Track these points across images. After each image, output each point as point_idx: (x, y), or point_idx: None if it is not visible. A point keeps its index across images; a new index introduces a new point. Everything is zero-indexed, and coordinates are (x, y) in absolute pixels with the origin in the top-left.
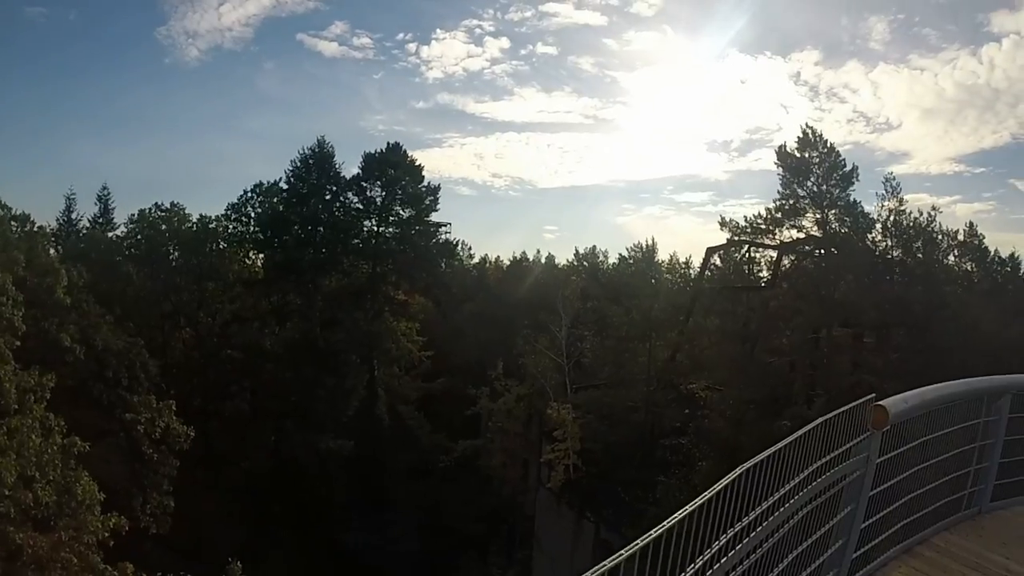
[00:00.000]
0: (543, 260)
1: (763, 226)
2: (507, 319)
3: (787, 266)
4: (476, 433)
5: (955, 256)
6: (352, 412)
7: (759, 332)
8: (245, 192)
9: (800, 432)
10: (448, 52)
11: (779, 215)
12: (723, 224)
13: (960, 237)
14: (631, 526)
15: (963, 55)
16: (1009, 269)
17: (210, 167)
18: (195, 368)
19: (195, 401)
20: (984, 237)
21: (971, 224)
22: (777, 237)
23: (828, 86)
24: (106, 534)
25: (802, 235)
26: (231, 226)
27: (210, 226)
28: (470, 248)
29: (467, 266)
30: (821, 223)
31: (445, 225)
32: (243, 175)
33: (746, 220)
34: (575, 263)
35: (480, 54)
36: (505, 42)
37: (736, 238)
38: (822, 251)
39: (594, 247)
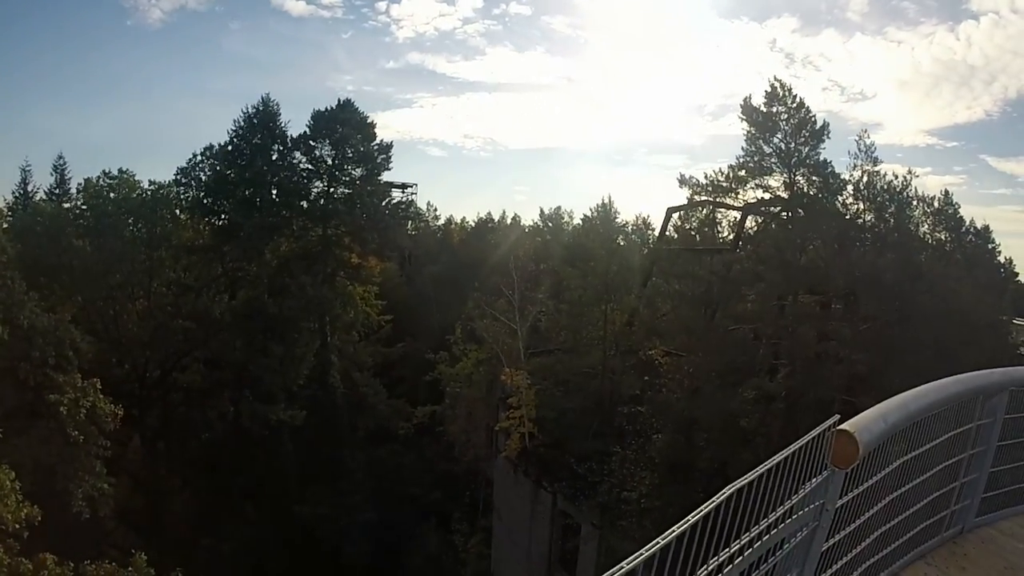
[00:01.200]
0: (509, 221)
1: (724, 184)
2: (470, 282)
3: (753, 228)
4: (441, 399)
5: (929, 224)
6: (303, 380)
7: (720, 297)
8: (195, 155)
9: (746, 479)
10: (419, 11)
11: (743, 173)
12: (683, 182)
13: (936, 205)
14: (586, 498)
15: (941, 30)
16: (981, 242)
17: (174, 131)
18: (147, 340)
19: (153, 373)
20: (959, 206)
21: (946, 192)
22: (741, 197)
23: (804, 54)
24: (17, 525)
25: (768, 195)
26: (181, 191)
27: (160, 192)
28: (436, 209)
29: (432, 227)
30: (788, 183)
31: (412, 186)
32: (207, 138)
33: (706, 177)
34: (540, 224)
35: (452, 13)
36: (477, 1)
37: (696, 197)
38: (789, 213)
39: (559, 207)
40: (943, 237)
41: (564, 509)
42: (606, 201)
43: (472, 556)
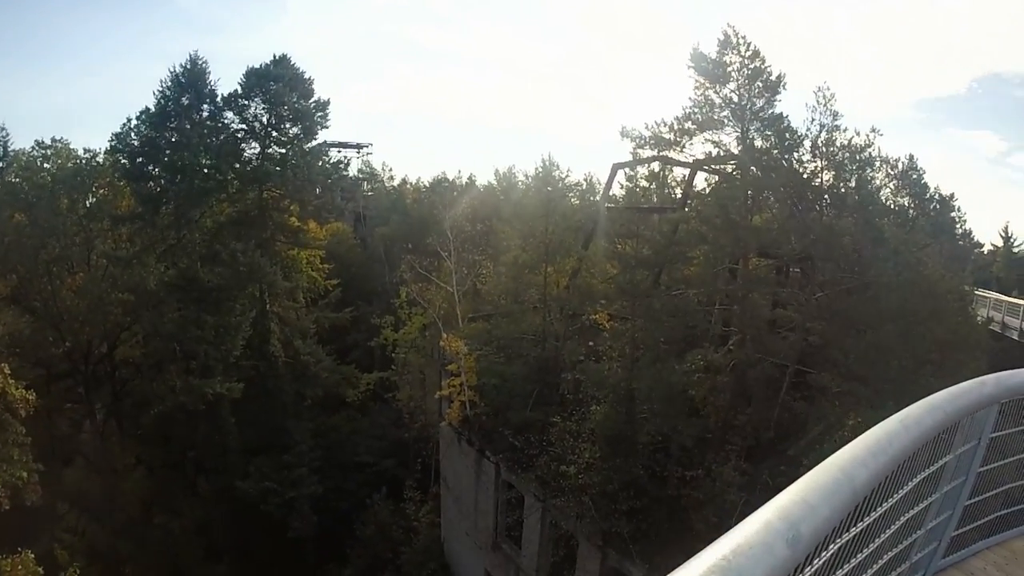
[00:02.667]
0: (465, 181)
1: (668, 136)
2: (421, 242)
3: (707, 185)
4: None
5: (892, 188)
6: (239, 351)
7: (664, 260)
8: (129, 120)
9: None
10: None
11: (689, 125)
12: (624, 134)
13: (899, 168)
14: (525, 470)
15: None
16: (945, 210)
17: (129, 95)
18: (87, 315)
19: (99, 349)
20: (924, 172)
21: (911, 156)
22: (689, 152)
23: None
24: None
25: (720, 151)
26: (116, 158)
27: (95, 161)
28: (391, 169)
29: (387, 188)
30: (741, 138)
31: (367, 146)
32: None
33: (648, 128)
34: (495, 184)
35: None
36: None
37: (639, 151)
38: (740, 171)
39: (511, 167)
40: (906, 203)
41: (508, 480)
42: (546, 159)
43: (424, 525)
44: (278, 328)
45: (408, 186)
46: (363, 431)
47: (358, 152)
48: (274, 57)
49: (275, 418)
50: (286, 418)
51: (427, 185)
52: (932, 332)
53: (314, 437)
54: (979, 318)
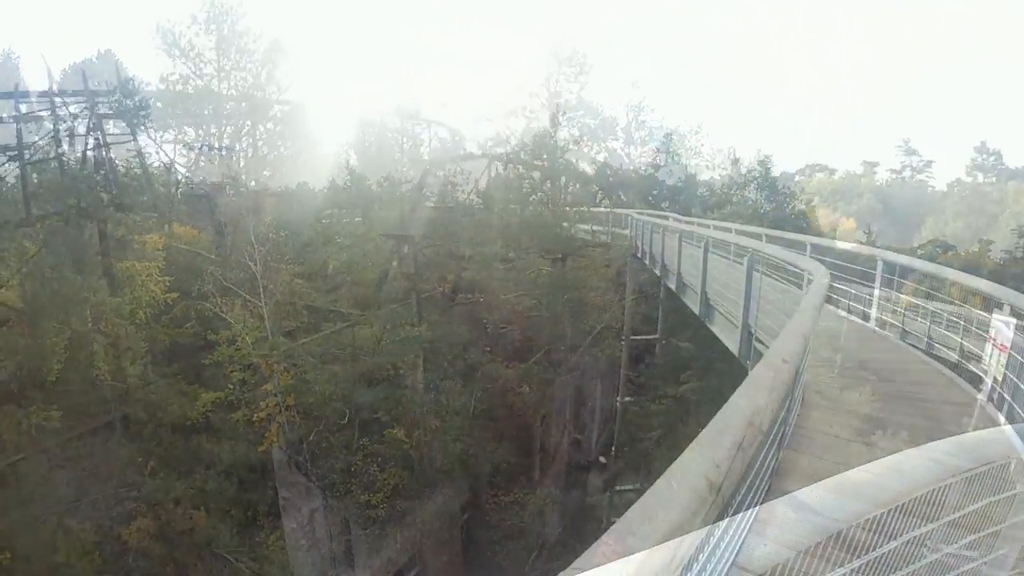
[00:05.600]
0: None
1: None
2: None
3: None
4: None
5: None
6: (55, 377)
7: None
8: None
9: None
10: None
11: None
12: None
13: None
14: (341, 497)
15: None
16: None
17: None
18: None
19: None
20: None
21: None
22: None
23: None
24: None
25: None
26: None
27: None
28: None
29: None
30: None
31: (232, 148)
32: None
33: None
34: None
35: None
36: None
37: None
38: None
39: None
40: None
41: (334, 505)
42: (352, 163)
43: (275, 551)
44: (103, 349)
45: (267, 191)
46: (209, 458)
47: (222, 154)
48: (98, 52)
49: (103, 450)
50: (118, 448)
51: (291, 189)
52: None
53: (146, 468)
54: None
